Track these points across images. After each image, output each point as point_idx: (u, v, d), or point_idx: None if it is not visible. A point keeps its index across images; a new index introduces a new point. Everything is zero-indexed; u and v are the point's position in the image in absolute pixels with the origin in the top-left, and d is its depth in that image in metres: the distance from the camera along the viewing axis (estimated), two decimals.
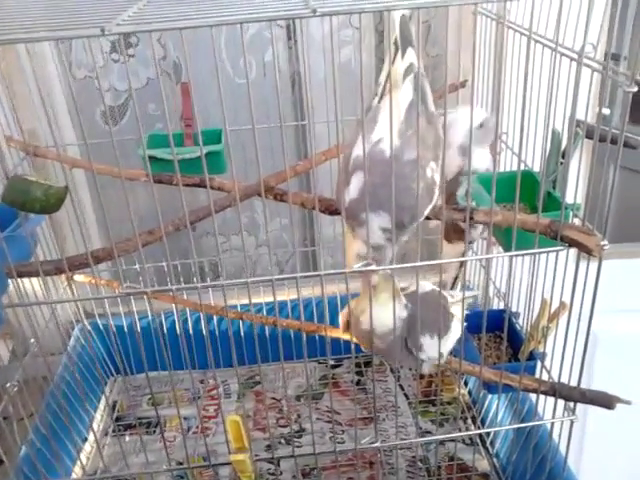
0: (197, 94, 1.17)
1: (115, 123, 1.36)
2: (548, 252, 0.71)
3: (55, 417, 1.02)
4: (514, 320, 0.98)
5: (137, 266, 1.21)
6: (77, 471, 1.08)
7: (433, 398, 1.21)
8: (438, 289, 0.89)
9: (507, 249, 0.77)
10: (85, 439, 1.15)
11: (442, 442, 1.10)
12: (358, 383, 1.26)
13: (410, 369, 1.29)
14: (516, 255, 0.70)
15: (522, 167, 0.92)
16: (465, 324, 0.82)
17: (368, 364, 1.31)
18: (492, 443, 1.07)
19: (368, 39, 1.34)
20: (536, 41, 0.75)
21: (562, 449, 0.85)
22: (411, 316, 0.76)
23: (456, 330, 0.84)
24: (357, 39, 1.31)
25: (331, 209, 0.80)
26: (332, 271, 0.70)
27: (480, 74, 1.05)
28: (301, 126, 1.33)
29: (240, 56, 1.31)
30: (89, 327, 1.28)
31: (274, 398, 1.24)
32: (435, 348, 0.78)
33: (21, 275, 0.74)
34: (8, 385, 0.93)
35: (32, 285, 0.94)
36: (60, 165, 1.04)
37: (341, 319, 0.87)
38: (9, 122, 1.04)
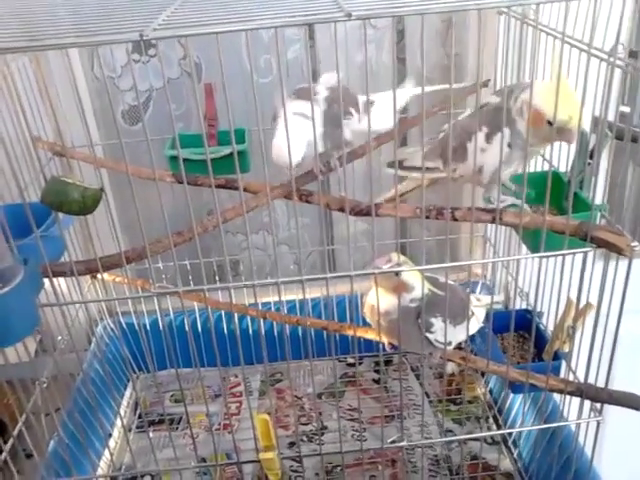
0: (219, 94, 1.17)
1: (137, 122, 1.37)
2: (576, 253, 0.71)
3: (81, 413, 1.03)
4: (538, 319, 0.98)
5: (160, 264, 1.23)
6: (103, 466, 1.10)
7: (454, 397, 1.21)
8: (463, 288, 0.90)
9: (534, 250, 0.77)
10: (109, 435, 1.16)
11: (465, 441, 1.10)
12: (378, 382, 1.27)
13: (421, 363, 1.29)
14: (545, 256, 0.70)
15: (549, 167, 0.93)
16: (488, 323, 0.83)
17: (388, 362, 1.32)
18: (515, 442, 1.08)
19: (388, 38, 1.33)
20: (569, 44, 0.75)
21: (587, 450, 0.85)
22: (432, 298, 0.78)
23: (471, 326, 0.85)
24: (377, 38, 1.32)
25: (357, 210, 0.80)
26: (362, 271, 0.70)
27: (503, 74, 1.04)
28: None
29: (261, 55, 1.32)
30: (112, 325, 1.29)
31: (295, 396, 1.25)
32: (446, 333, 0.79)
33: (55, 275, 0.75)
34: (37, 382, 0.95)
35: (59, 283, 0.96)
36: (87, 165, 1.05)
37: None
38: (36, 122, 1.06)
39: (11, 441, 0.84)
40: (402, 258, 0.77)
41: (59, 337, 1.04)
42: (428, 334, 0.80)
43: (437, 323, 0.79)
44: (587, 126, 0.77)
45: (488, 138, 0.75)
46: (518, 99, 0.73)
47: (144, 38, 0.52)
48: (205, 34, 0.53)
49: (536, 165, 0.93)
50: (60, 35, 0.58)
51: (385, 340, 0.88)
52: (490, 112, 0.75)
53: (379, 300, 0.76)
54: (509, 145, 0.74)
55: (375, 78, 1.32)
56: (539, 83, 0.69)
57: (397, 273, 0.75)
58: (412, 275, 0.77)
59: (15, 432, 0.86)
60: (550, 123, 0.68)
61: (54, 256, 0.83)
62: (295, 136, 0.74)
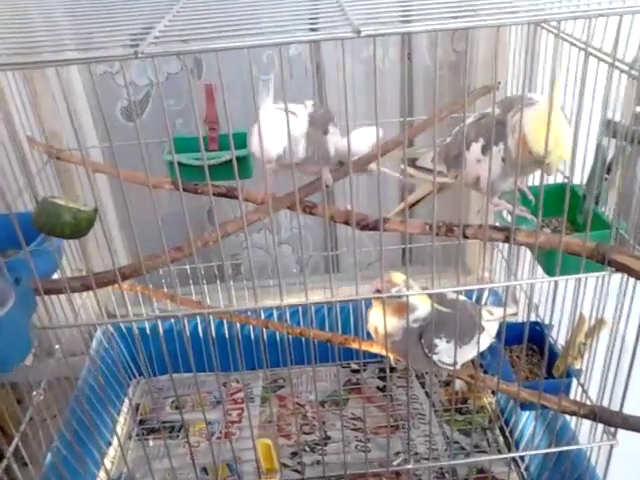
0: (220, 95, 1.14)
1: (137, 117, 1.33)
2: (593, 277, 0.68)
3: (79, 421, 1.01)
4: (547, 332, 0.96)
5: (160, 270, 1.19)
6: (102, 476, 1.08)
7: (460, 406, 1.19)
8: (473, 303, 0.87)
9: (549, 271, 0.74)
10: (109, 443, 1.14)
11: (470, 453, 1.08)
12: (383, 389, 1.24)
13: (427, 372, 1.27)
14: (560, 279, 0.67)
15: (562, 180, 0.89)
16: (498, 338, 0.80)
17: (393, 369, 1.29)
18: (523, 457, 1.05)
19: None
20: (593, 55, 0.71)
21: (598, 471, 0.82)
22: (436, 317, 0.75)
23: (482, 343, 0.82)
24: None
25: (363, 224, 0.77)
26: (370, 296, 0.67)
27: (515, 79, 1.01)
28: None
29: (263, 52, 1.28)
30: (111, 329, 1.27)
31: (298, 403, 1.22)
32: (450, 353, 0.77)
33: (48, 292, 0.72)
34: (35, 394, 0.92)
35: (51, 300, 0.92)
36: (84, 168, 1.02)
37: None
38: (31, 122, 1.02)
39: (9, 453, 0.81)
40: (402, 277, 0.74)
41: (57, 346, 1.01)
42: (432, 355, 0.77)
43: (441, 344, 0.77)
44: (601, 133, 0.74)
45: (484, 150, 0.73)
46: (514, 117, 0.70)
47: (139, 56, 0.49)
48: (202, 51, 0.50)
49: (549, 177, 0.89)
50: (57, 45, 0.55)
51: (391, 356, 0.86)
52: (488, 124, 0.73)
53: (380, 322, 0.74)
54: (504, 159, 0.72)
55: (382, 76, 1.28)
56: (535, 108, 0.66)
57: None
58: (415, 296, 0.74)
59: (11, 448, 0.84)
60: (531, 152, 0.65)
61: (49, 270, 0.80)
62: (276, 128, 0.71)
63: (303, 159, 0.78)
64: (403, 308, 0.74)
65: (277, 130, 0.71)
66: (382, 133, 0.82)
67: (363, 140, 0.80)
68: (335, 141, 0.82)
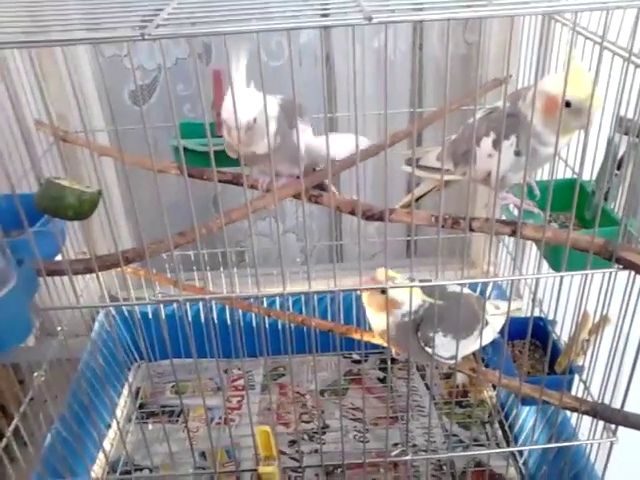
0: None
1: (143, 102, 1.32)
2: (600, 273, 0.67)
3: (79, 403, 1.01)
4: (550, 328, 0.95)
5: (163, 254, 1.19)
6: (101, 458, 1.08)
7: (460, 399, 1.19)
8: (478, 296, 0.87)
9: (555, 267, 0.73)
10: (109, 425, 1.15)
11: (469, 446, 1.08)
12: (383, 380, 1.24)
13: (427, 365, 1.26)
14: (566, 275, 0.67)
15: (572, 175, 0.88)
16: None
17: (394, 360, 1.29)
18: (521, 452, 1.05)
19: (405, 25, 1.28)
20: (608, 49, 0.70)
21: (597, 468, 0.82)
22: (430, 310, 0.75)
23: (485, 337, 0.82)
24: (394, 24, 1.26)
25: (369, 214, 0.77)
26: (370, 286, 0.67)
27: (526, 72, 0.99)
28: (335, 117, 1.29)
29: (272, 38, 1.26)
30: (114, 312, 1.27)
31: (298, 392, 1.22)
32: (448, 347, 0.77)
33: (50, 273, 0.72)
34: (35, 375, 0.93)
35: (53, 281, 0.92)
36: (89, 152, 1.01)
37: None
38: (38, 105, 1.02)
39: (7, 434, 0.82)
40: (389, 274, 0.73)
41: (58, 327, 1.02)
42: (428, 349, 0.77)
43: (438, 338, 0.76)
44: (613, 129, 0.73)
45: (495, 144, 0.72)
46: (528, 95, 0.70)
47: (146, 38, 0.48)
48: (210, 34, 0.49)
49: (557, 172, 0.88)
50: (65, 23, 0.55)
51: (393, 349, 0.85)
52: (498, 118, 0.72)
53: (374, 320, 0.73)
54: (517, 153, 0.72)
55: (392, 67, 1.27)
56: (549, 75, 0.65)
57: (383, 291, 0.71)
58: (400, 290, 0.73)
59: (11, 427, 0.84)
60: (568, 104, 0.64)
61: (51, 251, 0.79)
62: (249, 97, 0.71)
63: (275, 148, 0.76)
64: (391, 305, 0.73)
65: (248, 100, 0.71)
66: (366, 143, 0.80)
67: (341, 146, 0.77)
68: (306, 140, 0.79)
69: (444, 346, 0.77)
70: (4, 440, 0.81)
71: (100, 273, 1.22)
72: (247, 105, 0.71)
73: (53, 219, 0.69)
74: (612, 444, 0.78)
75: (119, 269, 1.10)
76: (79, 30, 0.53)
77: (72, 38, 0.49)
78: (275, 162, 0.77)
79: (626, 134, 0.73)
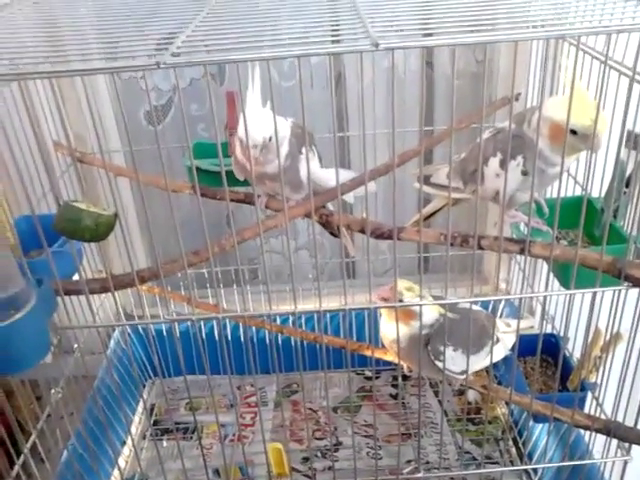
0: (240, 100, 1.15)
1: (158, 123, 1.35)
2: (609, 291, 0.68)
3: (95, 419, 1.03)
4: (562, 345, 0.95)
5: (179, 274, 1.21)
6: (116, 474, 1.09)
7: (473, 416, 1.18)
8: (488, 313, 0.87)
9: (564, 284, 0.74)
10: (123, 442, 1.16)
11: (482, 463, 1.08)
12: (395, 397, 1.24)
13: (440, 381, 1.26)
14: (576, 293, 0.67)
15: (580, 192, 0.89)
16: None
17: (406, 377, 1.29)
18: (535, 470, 1.04)
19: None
20: (614, 69, 0.71)
21: None
22: (442, 325, 0.76)
23: (496, 354, 0.82)
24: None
25: (378, 233, 0.78)
26: (383, 304, 0.68)
27: (535, 90, 1.00)
28: (346, 137, 1.30)
29: (285, 60, 1.28)
30: (128, 330, 1.29)
31: (310, 409, 1.23)
32: (458, 362, 0.77)
33: (68, 293, 0.74)
34: (53, 392, 0.94)
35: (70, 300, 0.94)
36: (106, 172, 1.04)
37: None
38: (57, 126, 1.05)
39: (25, 451, 0.83)
40: (406, 284, 0.74)
41: (75, 345, 1.03)
42: (437, 362, 0.78)
43: (447, 352, 0.77)
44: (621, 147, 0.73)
45: (502, 164, 0.73)
46: (532, 119, 0.70)
47: (161, 67, 0.50)
48: (224, 62, 0.51)
49: (567, 189, 0.89)
50: (84, 54, 0.57)
51: (404, 364, 0.86)
52: (505, 139, 0.73)
53: (389, 330, 0.74)
54: (524, 173, 0.73)
55: (402, 86, 1.28)
56: (552, 98, 0.66)
57: (400, 301, 0.73)
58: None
59: (29, 444, 0.85)
60: (574, 132, 0.65)
61: (69, 271, 0.81)
62: (262, 116, 0.73)
63: (284, 168, 0.77)
64: (409, 315, 0.74)
65: (264, 118, 0.73)
66: (374, 187, 0.83)
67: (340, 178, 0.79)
68: (312, 170, 0.78)
69: (454, 360, 0.78)
70: (21, 457, 0.83)
71: (115, 292, 1.24)
72: (263, 124, 0.73)
73: (70, 240, 0.71)
74: (626, 463, 0.77)
75: (134, 287, 1.13)
76: (97, 59, 0.55)
77: (92, 68, 0.52)
78: (280, 184, 0.79)
79: (634, 149, 0.74)
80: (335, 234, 0.96)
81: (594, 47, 0.78)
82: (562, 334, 0.93)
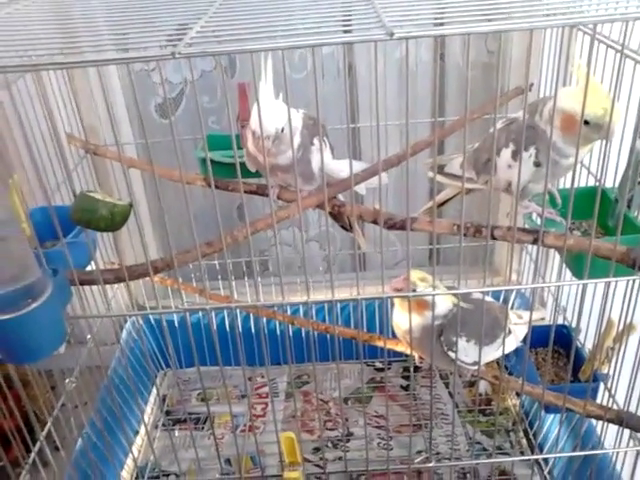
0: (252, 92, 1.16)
1: (172, 114, 1.35)
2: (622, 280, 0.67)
3: (109, 409, 1.04)
4: (574, 335, 0.95)
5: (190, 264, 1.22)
6: (129, 463, 1.10)
7: (484, 407, 1.18)
8: (500, 305, 0.87)
9: (577, 274, 0.74)
10: (136, 432, 1.17)
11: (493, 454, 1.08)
12: (406, 388, 1.25)
13: (451, 372, 1.27)
14: (589, 283, 0.67)
15: (594, 183, 0.88)
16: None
17: (417, 368, 1.30)
18: (546, 460, 1.05)
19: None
20: (630, 57, 0.70)
21: (623, 478, 0.82)
22: (455, 316, 0.76)
23: (508, 345, 0.82)
24: None
25: (390, 223, 0.78)
26: (396, 294, 0.68)
27: (548, 80, 1.00)
28: (357, 128, 1.30)
29: (295, 51, 1.28)
30: (141, 321, 1.30)
31: (321, 400, 1.23)
32: (470, 353, 0.77)
33: (82, 283, 0.75)
34: (67, 381, 0.95)
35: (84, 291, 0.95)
36: (118, 164, 1.04)
37: None
38: (70, 118, 1.05)
39: (41, 439, 0.84)
40: (420, 275, 0.74)
41: (88, 335, 1.04)
42: (450, 352, 0.78)
43: (460, 342, 0.77)
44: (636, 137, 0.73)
45: (514, 155, 0.73)
46: (544, 111, 0.70)
47: (176, 57, 0.50)
48: (238, 52, 0.51)
49: (580, 180, 0.88)
50: (97, 46, 0.57)
51: (416, 354, 0.86)
52: (517, 130, 0.73)
53: (401, 320, 0.74)
54: (537, 164, 0.73)
55: (414, 77, 1.28)
56: (564, 89, 0.66)
57: (413, 291, 0.73)
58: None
59: (44, 432, 0.87)
60: (587, 122, 0.65)
61: (83, 261, 0.82)
62: (275, 107, 0.73)
63: (298, 159, 0.77)
64: (422, 305, 0.75)
65: (276, 110, 0.73)
66: (386, 179, 0.82)
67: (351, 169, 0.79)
68: (325, 160, 0.77)
69: (466, 351, 0.78)
70: (37, 444, 0.84)
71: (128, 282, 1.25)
72: (276, 115, 0.74)
73: (86, 230, 0.72)
74: (638, 453, 0.77)
75: (147, 278, 1.14)
76: (111, 50, 0.55)
77: (107, 58, 0.52)
78: (292, 175, 0.79)
79: None
80: (346, 227, 0.96)
81: (609, 36, 0.78)
82: (574, 325, 0.93)
